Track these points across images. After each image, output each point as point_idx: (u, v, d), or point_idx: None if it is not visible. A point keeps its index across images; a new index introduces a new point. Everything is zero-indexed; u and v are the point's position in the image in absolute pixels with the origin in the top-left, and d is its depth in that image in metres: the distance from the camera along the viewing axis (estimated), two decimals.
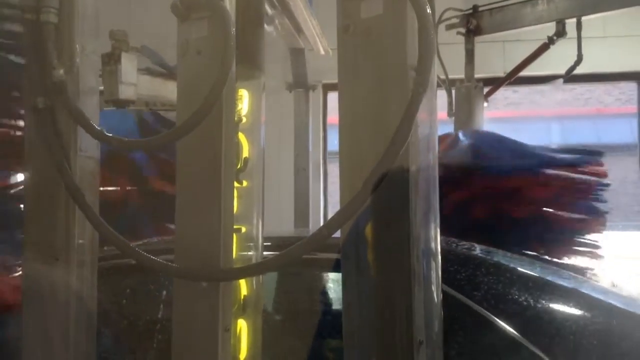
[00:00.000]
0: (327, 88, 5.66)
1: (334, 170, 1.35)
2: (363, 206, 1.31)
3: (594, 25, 3.88)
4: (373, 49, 1.36)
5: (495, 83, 4.38)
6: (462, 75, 4.21)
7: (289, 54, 3.67)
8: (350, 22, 1.38)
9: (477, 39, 4.15)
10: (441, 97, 4.31)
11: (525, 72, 4.23)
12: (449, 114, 4.27)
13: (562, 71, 4.08)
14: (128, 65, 2.05)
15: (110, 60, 1.96)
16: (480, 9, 4.08)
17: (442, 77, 4.18)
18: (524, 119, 5.64)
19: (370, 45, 1.36)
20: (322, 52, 3.17)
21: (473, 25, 4.09)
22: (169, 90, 2.61)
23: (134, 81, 2.13)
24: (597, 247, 3.32)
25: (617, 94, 5.61)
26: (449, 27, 4.17)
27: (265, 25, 2.53)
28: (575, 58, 3.87)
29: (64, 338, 1.53)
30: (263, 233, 1.73)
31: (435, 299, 1.50)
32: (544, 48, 3.95)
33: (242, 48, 1.54)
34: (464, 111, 4.14)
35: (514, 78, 4.26)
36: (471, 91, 4.14)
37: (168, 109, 3.50)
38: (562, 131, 5.34)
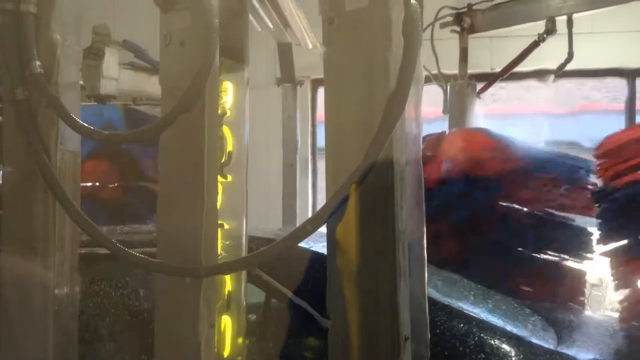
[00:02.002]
0: (316, 83, 5.63)
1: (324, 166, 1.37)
2: (347, 201, 1.29)
3: (582, 22, 3.88)
4: (358, 41, 1.34)
5: (485, 79, 4.39)
6: (451, 71, 4.21)
7: (277, 49, 3.64)
8: (335, 15, 1.36)
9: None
10: (436, 94, 4.31)
11: (516, 68, 4.23)
12: (444, 111, 4.27)
13: (551, 67, 4.08)
14: (110, 60, 2.01)
15: (91, 54, 1.92)
16: (474, 7, 4.09)
17: (434, 72, 4.18)
18: (512, 116, 5.64)
19: (355, 38, 1.34)
20: (310, 46, 3.14)
21: (467, 24, 4.10)
22: (153, 85, 2.57)
23: (116, 76, 2.09)
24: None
25: (604, 91, 5.62)
26: (443, 25, 4.17)
27: (253, 20, 2.51)
28: (563, 54, 3.88)
29: (44, 329, 1.51)
30: (247, 228, 1.71)
31: (421, 294, 1.49)
32: (534, 45, 3.96)
33: (225, 40, 1.52)
34: (457, 108, 4.16)
35: (506, 75, 4.27)
36: (464, 89, 4.15)
37: (155, 103, 3.46)
38: (549, 128, 5.34)
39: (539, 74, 4.62)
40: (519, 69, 4.24)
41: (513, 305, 2.55)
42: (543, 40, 3.88)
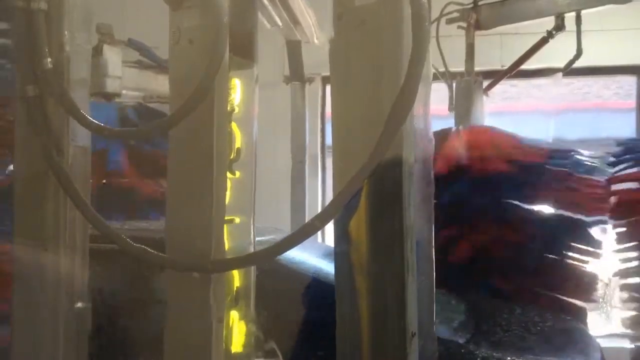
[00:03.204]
0: (327, 81, 5.63)
1: None
2: (356, 197, 1.30)
3: (591, 19, 3.87)
4: (367, 37, 1.34)
5: (493, 76, 4.37)
6: (460, 68, 4.20)
7: (286, 46, 3.65)
8: (344, 10, 1.36)
9: (476, 32, 4.14)
10: (442, 90, 4.30)
11: (524, 66, 4.22)
12: (450, 109, 4.25)
13: (560, 64, 4.07)
14: (112, 58, 2.02)
15: (97, 53, 1.94)
16: (481, 3, 4.08)
17: (442, 69, 4.18)
18: (522, 113, 5.63)
19: (364, 34, 1.34)
20: (318, 44, 3.15)
21: (473, 20, 4.10)
22: (159, 83, 2.58)
23: (119, 74, 2.10)
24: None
25: (615, 88, 5.58)
26: (450, 21, 4.16)
27: (262, 17, 2.51)
28: (572, 51, 3.87)
29: (55, 323, 1.53)
30: (255, 224, 1.72)
31: (429, 291, 1.49)
32: (543, 42, 3.95)
33: (234, 37, 1.53)
34: (463, 106, 4.14)
35: (514, 72, 4.26)
36: (471, 86, 4.13)
37: (164, 101, 3.48)
38: (560, 125, 5.32)
39: (548, 72, 4.61)
40: (527, 66, 4.22)
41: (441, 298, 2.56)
42: (552, 36, 3.87)
